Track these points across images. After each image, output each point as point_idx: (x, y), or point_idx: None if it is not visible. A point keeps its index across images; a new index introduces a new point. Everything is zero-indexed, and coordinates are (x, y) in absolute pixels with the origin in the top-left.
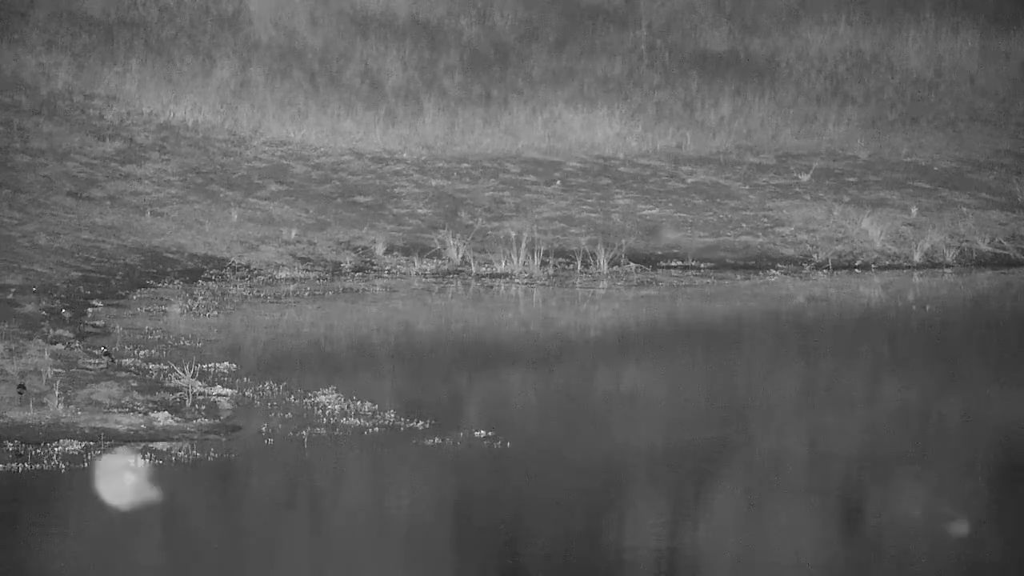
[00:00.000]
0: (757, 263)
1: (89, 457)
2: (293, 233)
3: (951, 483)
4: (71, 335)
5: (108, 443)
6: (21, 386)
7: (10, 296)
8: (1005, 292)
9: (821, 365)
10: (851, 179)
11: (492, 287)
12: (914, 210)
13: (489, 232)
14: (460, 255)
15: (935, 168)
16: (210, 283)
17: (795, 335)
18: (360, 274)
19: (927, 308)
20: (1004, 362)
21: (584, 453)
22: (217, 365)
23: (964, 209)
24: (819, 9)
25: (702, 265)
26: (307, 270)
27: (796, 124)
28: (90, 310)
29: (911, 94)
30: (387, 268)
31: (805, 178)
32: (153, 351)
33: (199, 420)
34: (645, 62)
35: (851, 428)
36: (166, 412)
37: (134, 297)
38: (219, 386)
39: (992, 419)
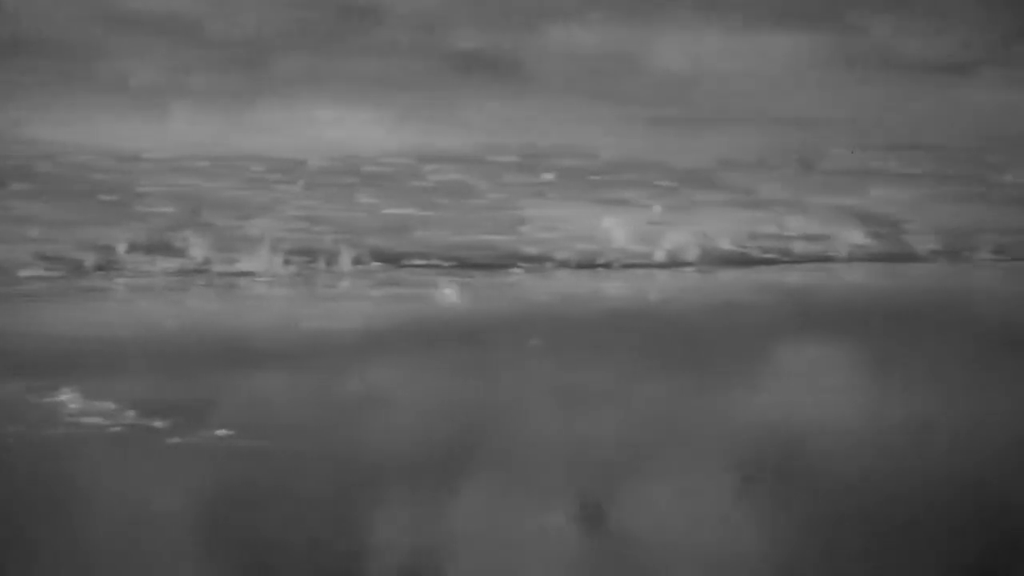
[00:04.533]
0: (501, 261)
1: None
2: (36, 232)
3: (706, 484)
4: None
5: None
6: None
7: None
8: (746, 291)
9: (555, 362)
10: (596, 178)
11: (235, 286)
12: (657, 209)
13: (233, 231)
14: (203, 254)
15: (680, 167)
16: None
17: (539, 333)
18: (102, 273)
19: (669, 305)
20: (750, 361)
21: (329, 452)
22: None
23: (708, 208)
24: (565, 7)
25: (445, 263)
26: (49, 269)
27: (541, 122)
28: None
29: (657, 92)
30: (129, 267)
31: (550, 177)
32: None
33: None
34: (390, 60)
35: (603, 426)
36: None
37: None
38: None
39: (739, 418)
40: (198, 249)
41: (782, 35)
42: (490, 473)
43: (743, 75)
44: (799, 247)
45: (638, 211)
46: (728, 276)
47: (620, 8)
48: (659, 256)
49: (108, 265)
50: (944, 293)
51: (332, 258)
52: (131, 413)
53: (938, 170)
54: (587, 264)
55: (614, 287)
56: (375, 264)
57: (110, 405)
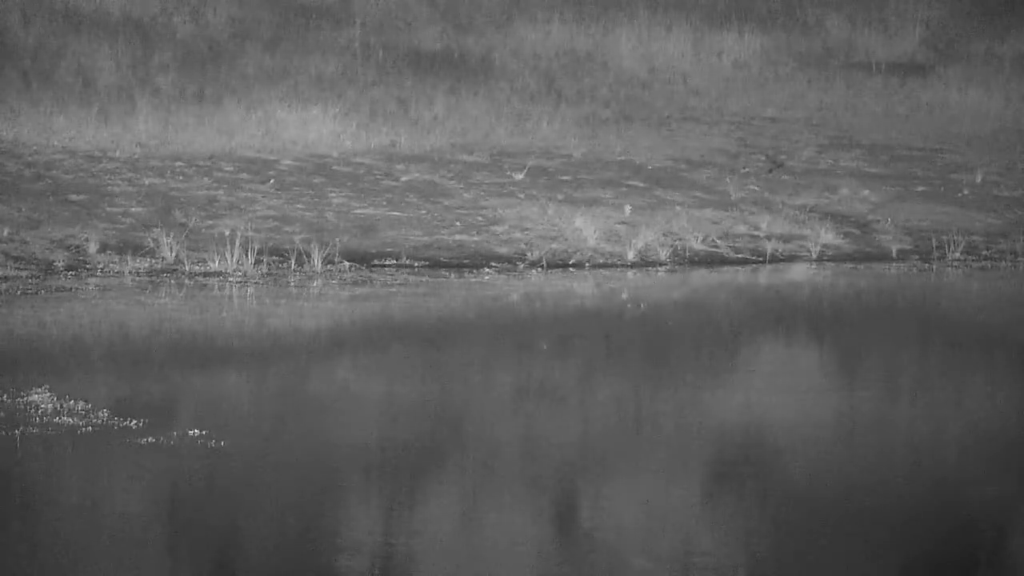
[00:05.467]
0: (472, 261)
1: None
2: (5, 232)
3: (663, 480)
4: None
5: None
6: None
7: None
8: (717, 290)
9: (532, 363)
10: (565, 177)
11: (206, 286)
12: (628, 208)
13: (203, 230)
14: (174, 254)
15: (649, 167)
16: None
17: (507, 333)
18: (73, 273)
19: (641, 307)
20: (712, 358)
21: (300, 452)
22: None
23: (678, 208)
24: (533, 8)
25: (416, 264)
26: (19, 268)
27: (510, 122)
28: None
29: (625, 92)
30: (100, 267)
31: (519, 176)
32: None
33: None
34: (359, 60)
35: (564, 424)
36: None
37: None
38: None
39: (699, 416)
40: (168, 249)
41: (747, 35)
42: (463, 470)
43: (707, 75)
44: (770, 246)
45: (608, 210)
46: (699, 275)
47: (586, 10)
48: (631, 255)
49: (79, 265)
50: (915, 292)
51: (303, 258)
52: (104, 413)
53: (906, 170)
54: (559, 264)
55: (586, 287)
56: (346, 264)
57: (83, 405)
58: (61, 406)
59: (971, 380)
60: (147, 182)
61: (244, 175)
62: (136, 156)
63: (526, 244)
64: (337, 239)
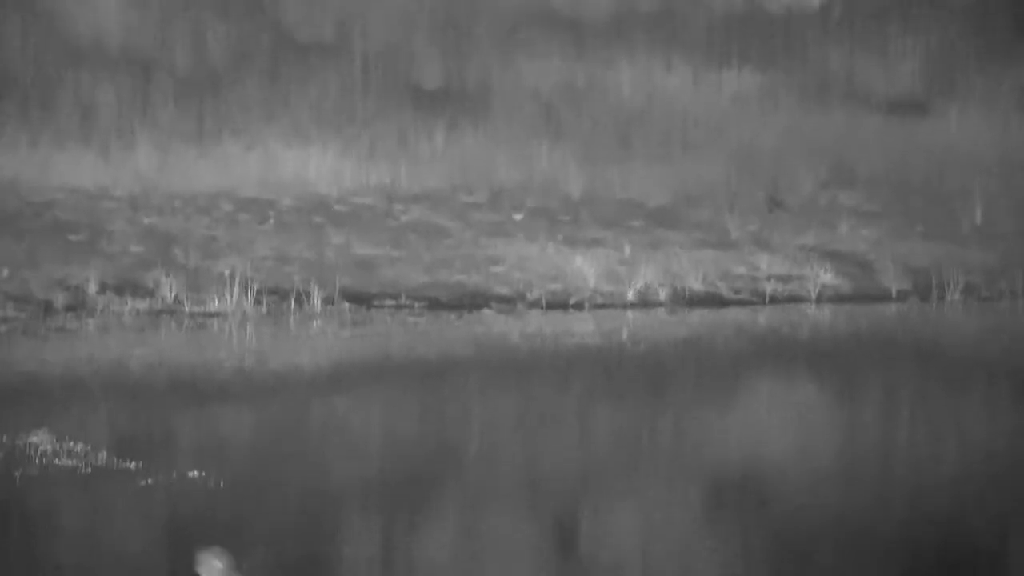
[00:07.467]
0: (471, 301)
1: None
2: (5, 272)
3: (657, 521)
4: None
5: None
6: None
7: None
8: (716, 332)
9: (528, 404)
10: (565, 217)
11: (205, 326)
12: (627, 248)
13: (202, 270)
14: (173, 293)
15: (649, 204)
16: None
17: (508, 374)
18: (72, 313)
19: (640, 346)
20: (705, 398)
21: (298, 491)
22: None
23: (678, 248)
24: (533, 42)
25: (416, 304)
26: (19, 309)
27: (509, 158)
28: None
29: (624, 128)
30: (99, 307)
31: (519, 216)
32: None
33: None
34: (358, 95)
35: (557, 466)
36: None
37: None
38: None
39: (695, 460)
40: (168, 289)
41: (747, 71)
42: (462, 512)
43: (707, 111)
44: (769, 287)
45: (608, 250)
46: (698, 316)
47: (584, 45)
48: (630, 296)
49: (78, 305)
50: (914, 333)
51: (302, 297)
52: (103, 454)
53: (905, 207)
54: (559, 304)
55: (586, 328)
56: (345, 304)
57: (83, 446)
58: (60, 447)
59: (972, 433)
60: (146, 221)
61: (243, 215)
62: (135, 194)
63: (525, 284)
64: (336, 278)
